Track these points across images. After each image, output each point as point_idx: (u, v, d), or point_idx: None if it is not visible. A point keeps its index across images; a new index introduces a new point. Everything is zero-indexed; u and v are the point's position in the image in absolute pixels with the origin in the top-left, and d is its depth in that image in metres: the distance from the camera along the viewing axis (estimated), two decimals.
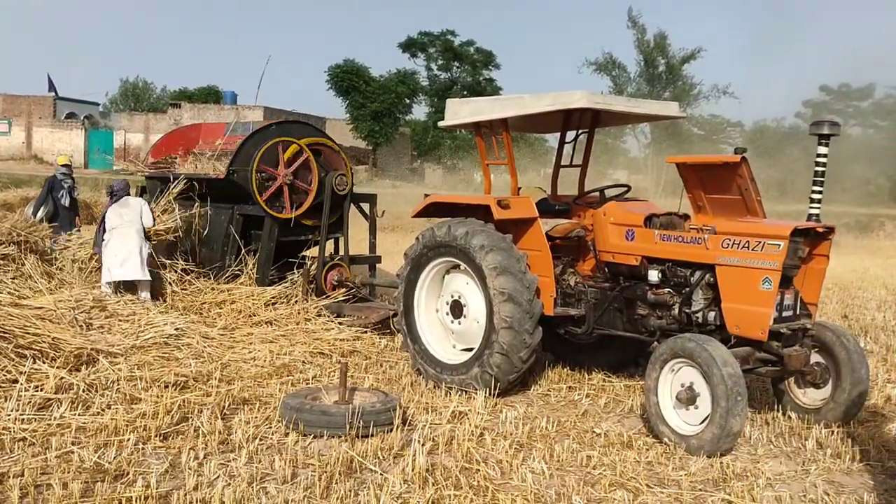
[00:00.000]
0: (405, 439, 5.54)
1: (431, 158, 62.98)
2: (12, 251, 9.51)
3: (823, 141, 6.22)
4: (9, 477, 4.64)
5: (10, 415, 5.53)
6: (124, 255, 9.17)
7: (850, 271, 18.01)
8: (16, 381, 6.02)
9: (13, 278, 8.94)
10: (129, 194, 9.78)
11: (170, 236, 9.74)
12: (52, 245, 10.30)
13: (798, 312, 6.28)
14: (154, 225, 9.53)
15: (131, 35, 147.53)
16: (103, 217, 9.56)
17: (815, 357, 6.39)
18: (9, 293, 8.10)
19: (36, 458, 4.93)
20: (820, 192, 6.30)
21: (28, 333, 6.59)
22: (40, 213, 11.53)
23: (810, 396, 6.49)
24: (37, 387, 6.03)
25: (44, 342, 6.58)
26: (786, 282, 6.09)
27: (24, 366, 6.20)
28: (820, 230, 6.22)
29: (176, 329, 7.75)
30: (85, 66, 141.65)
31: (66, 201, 11.85)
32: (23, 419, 5.51)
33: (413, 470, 4.92)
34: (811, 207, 6.28)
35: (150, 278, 9.31)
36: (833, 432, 6.11)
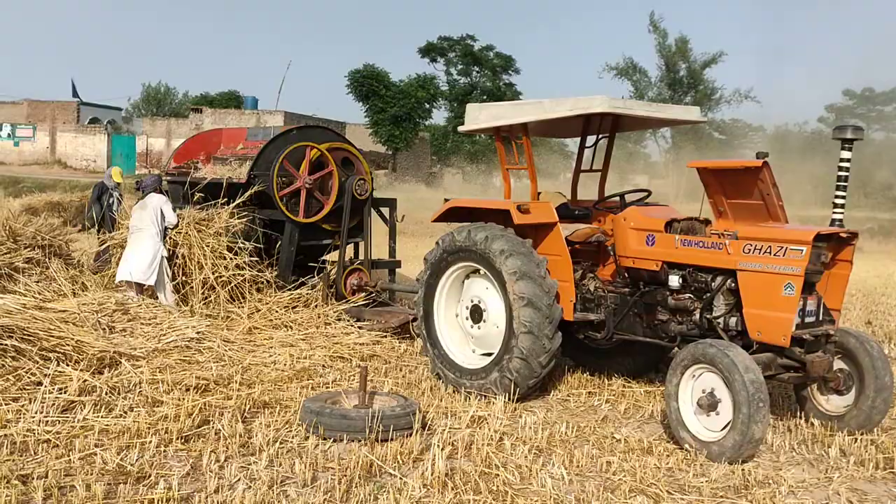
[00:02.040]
0: (424, 444, 5.55)
1: (451, 163, 63.04)
2: (37, 255, 9.62)
3: (847, 145, 6.17)
4: (33, 478, 4.69)
5: (34, 417, 5.59)
6: (131, 257, 9.29)
7: (873, 277, 17.84)
8: (40, 384, 6.09)
9: (37, 281, 9.04)
10: (156, 190, 9.75)
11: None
12: (100, 260, 10.44)
13: (821, 318, 6.23)
14: (177, 224, 9.56)
15: (153, 41, 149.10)
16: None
17: (839, 363, 6.34)
18: (33, 296, 8.19)
19: (59, 460, 4.99)
20: (843, 197, 6.25)
21: (52, 336, 6.66)
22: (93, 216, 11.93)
23: (833, 403, 6.43)
24: (60, 389, 6.09)
25: (68, 345, 6.65)
26: (808, 287, 6.03)
27: (48, 368, 6.27)
28: (843, 235, 6.17)
29: (197, 332, 7.80)
30: (108, 71, 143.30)
31: (115, 206, 12.26)
32: (47, 421, 5.57)
33: (432, 474, 4.92)
34: (834, 212, 6.22)
35: (153, 282, 9.24)
36: (856, 440, 6.05)
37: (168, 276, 9.46)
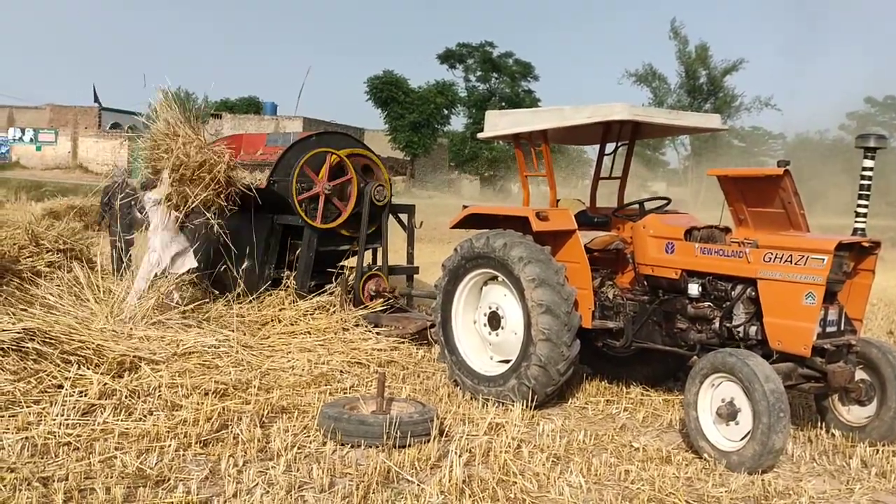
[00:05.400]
0: (442, 450, 5.54)
1: (469, 169, 63.08)
2: (59, 258, 9.72)
3: (869, 154, 6.11)
4: (53, 481, 4.73)
5: (55, 419, 5.63)
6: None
7: (895, 286, 17.63)
8: (61, 387, 6.14)
9: (59, 285, 9.12)
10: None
11: None
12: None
13: (842, 328, 6.17)
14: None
15: (174, 47, 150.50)
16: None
17: (860, 374, 6.28)
18: (55, 300, 8.26)
19: (80, 463, 5.02)
20: (865, 206, 6.19)
21: (73, 340, 6.72)
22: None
23: (854, 414, 6.37)
24: (81, 392, 6.13)
25: (88, 348, 6.70)
26: (830, 297, 5.99)
27: (69, 371, 6.32)
28: (865, 245, 6.11)
29: (218, 341, 7.80)
30: (128, 77, 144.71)
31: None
32: (67, 424, 5.61)
33: (450, 481, 4.91)
34: (856, 221, 6.17)
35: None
36: (878, 451, 5.99)
37: (149, 266, 9.27)
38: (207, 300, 9.58)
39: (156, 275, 9.17)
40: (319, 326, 9.13)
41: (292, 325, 9.14)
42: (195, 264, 9.63)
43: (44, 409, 5.84)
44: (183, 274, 9.47)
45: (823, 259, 5.79)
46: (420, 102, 55.08)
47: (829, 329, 6.05)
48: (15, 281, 8.76)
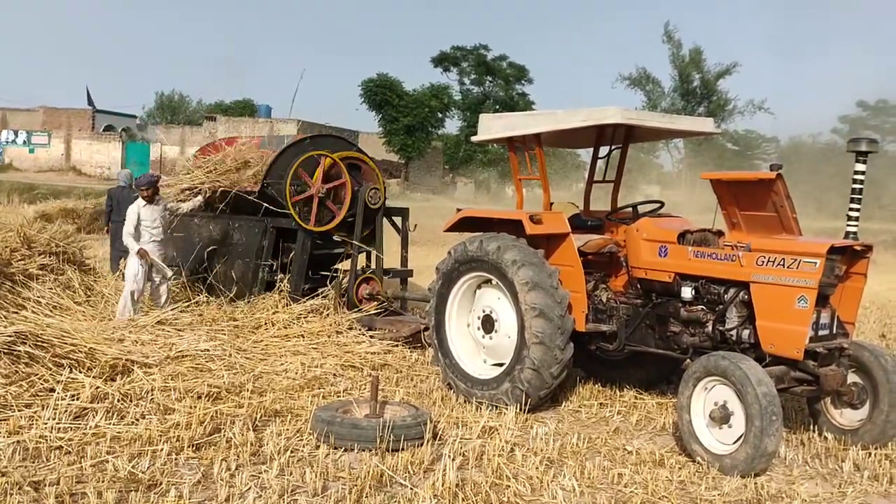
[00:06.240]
0: (435, 454, 5.54)
1: (463, 172, 63.09)
2: (51, 261, 9.68)
3: (861, 158, 6.14)
4: (45, 485, 4.71)
5: (46, 423, 5.61)
6: None
7: (887, 290, 17.68)
8: (53, 390, 6.10)
9: (51, 288, 9.10)
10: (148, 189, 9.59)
11: None
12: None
13: (835, 331, 6.19)
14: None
15: (167, 49, 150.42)
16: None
17: (852, 377, 6.29)
18: (46, 303, 8.24)
19: (71, 467, 5.00)
20: (857, 210, 6.22)
21: (65, 343, 6.69)
22: None
23: (847, 417, 6.39)
24: (73, 396, 6.10)
25: (80, 352, 6.67)
26: (822, 300, 6.00)
27: (61, 375, 6.29)
28: (857, 248, 6.13)
29: (211, 345, 7.77)
30: (122, 79, 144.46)
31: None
32: (59, 428, 5.59)
33: (443, 485, 4.91)
34: (848, 225, 6.19)
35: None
36: (870, 454, 6.01)
37: (134, 278, 9.27)
38: (200, 302, 9.58)
39: (135, 291, 9.24)
40: (313, 330, 9.12)
41: (286, 328, 9.12)
42: (170, 273, 9.72)
43: (35, 412, 5.81)
44: (170, 277, 9.60)
45: (816, 262, 5.81)
46: (414, 105, 55.00)
47: (821, 332, 6.07)
48: (7, 284, 8.71)
